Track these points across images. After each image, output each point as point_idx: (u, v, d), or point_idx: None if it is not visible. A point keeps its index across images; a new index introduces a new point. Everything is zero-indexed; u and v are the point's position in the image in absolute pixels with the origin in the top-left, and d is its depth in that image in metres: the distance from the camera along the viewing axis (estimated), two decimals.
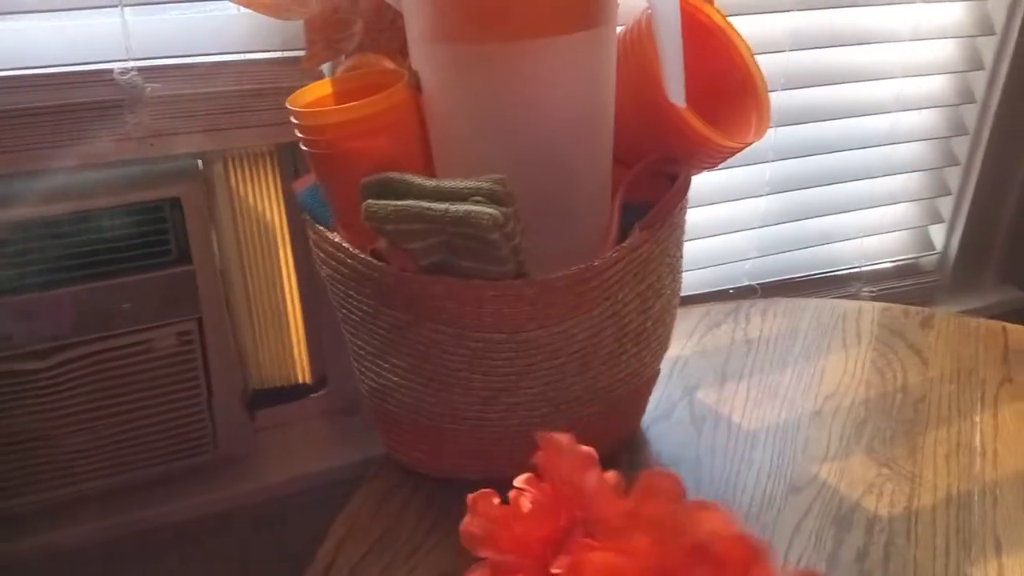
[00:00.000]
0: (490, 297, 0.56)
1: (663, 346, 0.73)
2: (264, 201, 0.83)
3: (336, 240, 0.61)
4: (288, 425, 0.93)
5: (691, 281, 1.06)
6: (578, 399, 0.66)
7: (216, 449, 0.84)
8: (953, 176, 1.18)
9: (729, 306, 1.00)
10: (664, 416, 0.81)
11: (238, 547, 0.89)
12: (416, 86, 0.60)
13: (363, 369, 0.70)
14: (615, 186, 0.66)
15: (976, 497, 0.71)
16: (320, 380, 0.93)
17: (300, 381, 0.93)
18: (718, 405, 0.83)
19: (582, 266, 0.57)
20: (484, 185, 0.51)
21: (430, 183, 0.54)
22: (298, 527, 0.90)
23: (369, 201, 0.53)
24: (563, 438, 0.29)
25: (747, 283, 1.09)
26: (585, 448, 0.31)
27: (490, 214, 0.50)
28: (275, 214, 0.84)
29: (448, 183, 0.53)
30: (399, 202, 0.53)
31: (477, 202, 0.52)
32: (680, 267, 0.74)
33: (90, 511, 0.80)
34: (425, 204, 0.52)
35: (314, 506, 0.84)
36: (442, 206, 0.51)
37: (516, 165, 0.56)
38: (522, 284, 0.56)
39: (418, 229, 0.53)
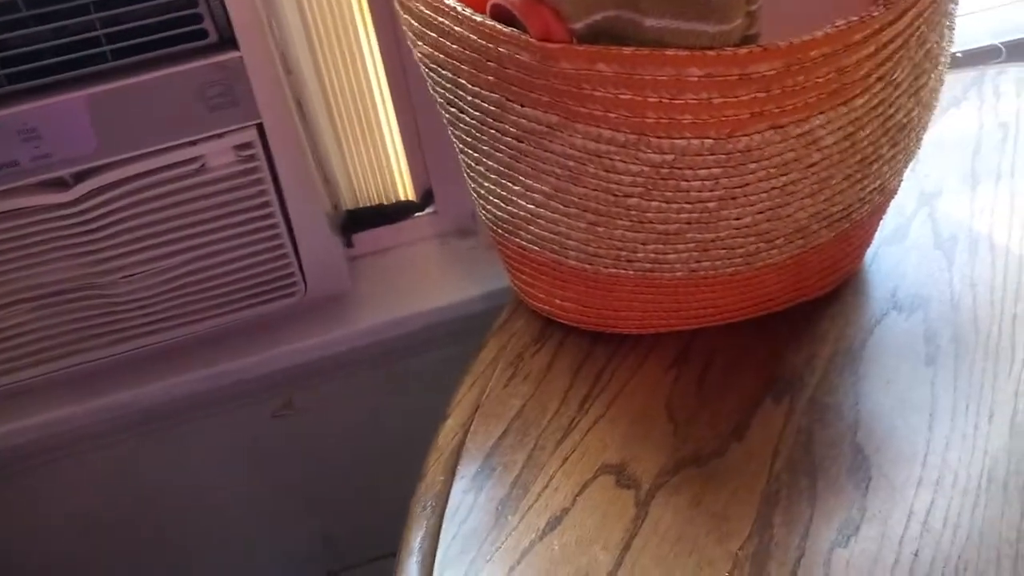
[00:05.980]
0: (695, 79, 0.33)
1: (918, 143, 0.49)
2: None
3: None
4: (390, 252, 0.77)
5: None
6: (801, 230, 0.45)
7: (306, 287, 0.67)
8: None
9: (969, 75, 0.73)
10: (897, 237, 0.59)
11: (335, 399, 0.75)
12: None
13: (482, 192, 0.50)
14: None
15: None
16: (426, 196, 0.75)
17: (402, 199, 0.75)
18: (971, 220, 0.60)
19: (854, 19, 0.33)
20: None
21: None
22: (405, 375, 0.75)
23: None
24: None
25: (989, 43, 0.81)
26: None
27: None
28: None
29: None
30: None
31: None
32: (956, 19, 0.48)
33: (160, 369, 0.66)
34: None
35: (422, 350, 0.73)
36: None
37: None
38: (754, 54, 0.32)
39: None
